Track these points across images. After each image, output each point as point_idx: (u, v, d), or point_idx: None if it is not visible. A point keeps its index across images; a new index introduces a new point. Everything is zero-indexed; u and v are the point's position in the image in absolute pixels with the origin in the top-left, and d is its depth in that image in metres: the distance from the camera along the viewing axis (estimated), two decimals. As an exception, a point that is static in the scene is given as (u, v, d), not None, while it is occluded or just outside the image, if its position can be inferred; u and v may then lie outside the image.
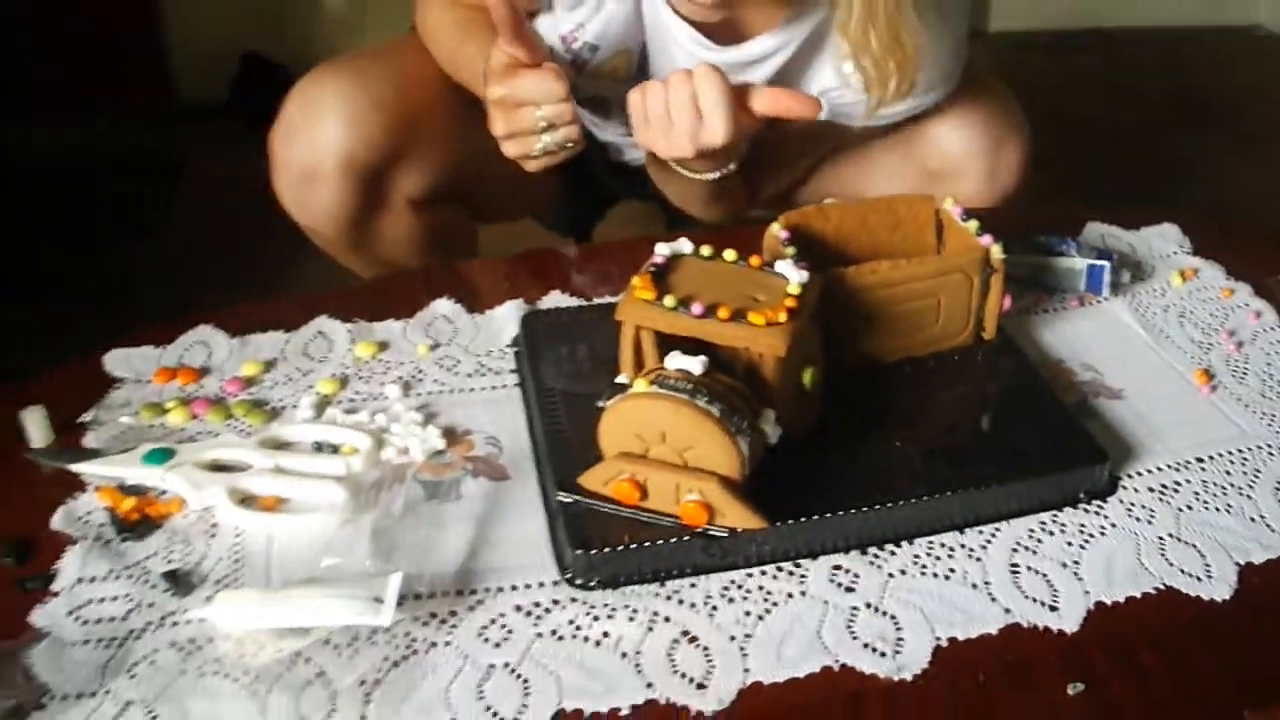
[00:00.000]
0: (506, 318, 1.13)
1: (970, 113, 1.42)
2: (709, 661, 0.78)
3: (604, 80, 1.37)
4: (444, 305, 1.16)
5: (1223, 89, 3.44)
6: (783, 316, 0.88)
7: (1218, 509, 0.92)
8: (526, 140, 1.16)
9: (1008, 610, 0.83)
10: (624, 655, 0.78)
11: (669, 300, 0.89)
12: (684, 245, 0.97)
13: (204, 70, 3.31)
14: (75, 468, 0.94)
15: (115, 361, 1.08)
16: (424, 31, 1.45)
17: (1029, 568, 0.86)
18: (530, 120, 1.15)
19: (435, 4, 1.42)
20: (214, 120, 3.17)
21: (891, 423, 0.97)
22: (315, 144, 1.34)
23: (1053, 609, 0.83)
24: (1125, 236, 1.31)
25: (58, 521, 0.89)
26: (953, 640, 0.80)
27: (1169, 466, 0.97)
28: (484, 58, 1.22)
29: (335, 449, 0.96)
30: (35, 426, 0.98)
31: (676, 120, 1.13)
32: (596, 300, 1.17)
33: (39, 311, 2.10)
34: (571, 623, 0.81)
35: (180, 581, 0.84)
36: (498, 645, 0.79)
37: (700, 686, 0.76)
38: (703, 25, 1.26)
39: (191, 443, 0.97)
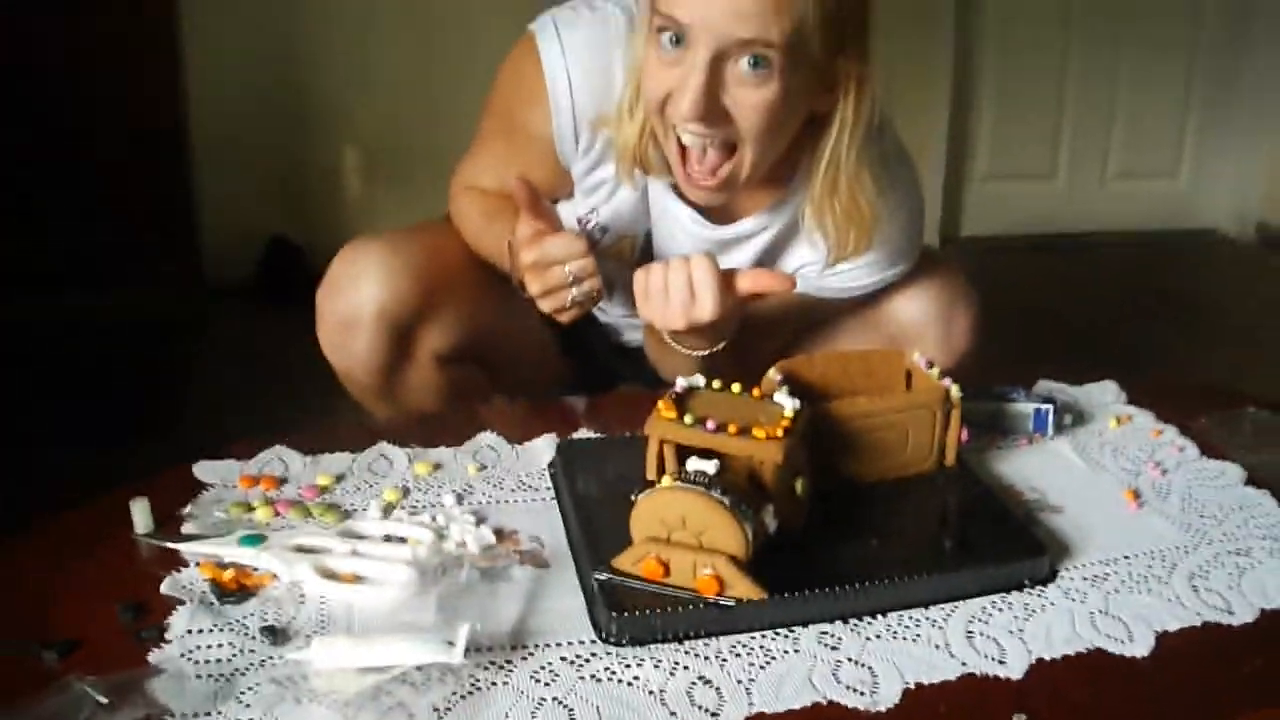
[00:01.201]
0: (543, 447, 1.33)
1: (924, 286, 1.64)
2: (721, 698, 0.96)
3: (610, 261, 1.59)
4: (488, 436, 1.36)
5: (1180, 286, 3.70)
6: (780, 433, 1.08)
7: (1140, 592, 1.11)
8: (559, 295, 1.38)
9: (964, 664, 1.01)
10: (651, 693, 0.96)
11: (688, 419, 1.09)
12: (698, 380, 1.18)
13: (232, 250, 3.53)
14: (181, 548, 1.13)
15: (204, 470, 1.28)
16: (455, 214, 1.69)
17: (982, 634, 1.04)
18: (561, 277, 1.37)
19: (465, 194, 1.66)
20: (239, 296, 3.41)
21: (869, 526, 1.16)
22: (355, 298, 1.56)
23: (1001, 663, 1.01)
24: (1070, 390, 1.52)
25: (166, 588, 1.07)
26: (919, 684, 0.98)
27: (1100, 562, 1.16)
28: (508, 235, 1.45)
29: (402, 540, 1.15)
30: (141, 515, 1.17)
31: (673, 296, 1.36)
32: (616, 435, 1.37)
33: (69, 452, 2.29)
34: (607, 669, 0.99)
35: (276, 634, 1.02)
36: (547, 684, 0.97)
37: (714, 715, 0.94)
38: (702, 207, 1.50)
39: (278, 532, 1.16)
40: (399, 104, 3.65)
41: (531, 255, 1.39)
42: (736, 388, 1.17)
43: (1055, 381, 1.54)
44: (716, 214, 1.52)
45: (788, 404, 1.14)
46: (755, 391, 1.18)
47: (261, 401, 2.62)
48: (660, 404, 1.12)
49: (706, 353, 1.44)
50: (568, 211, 1.58)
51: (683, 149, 1.39)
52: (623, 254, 1.59)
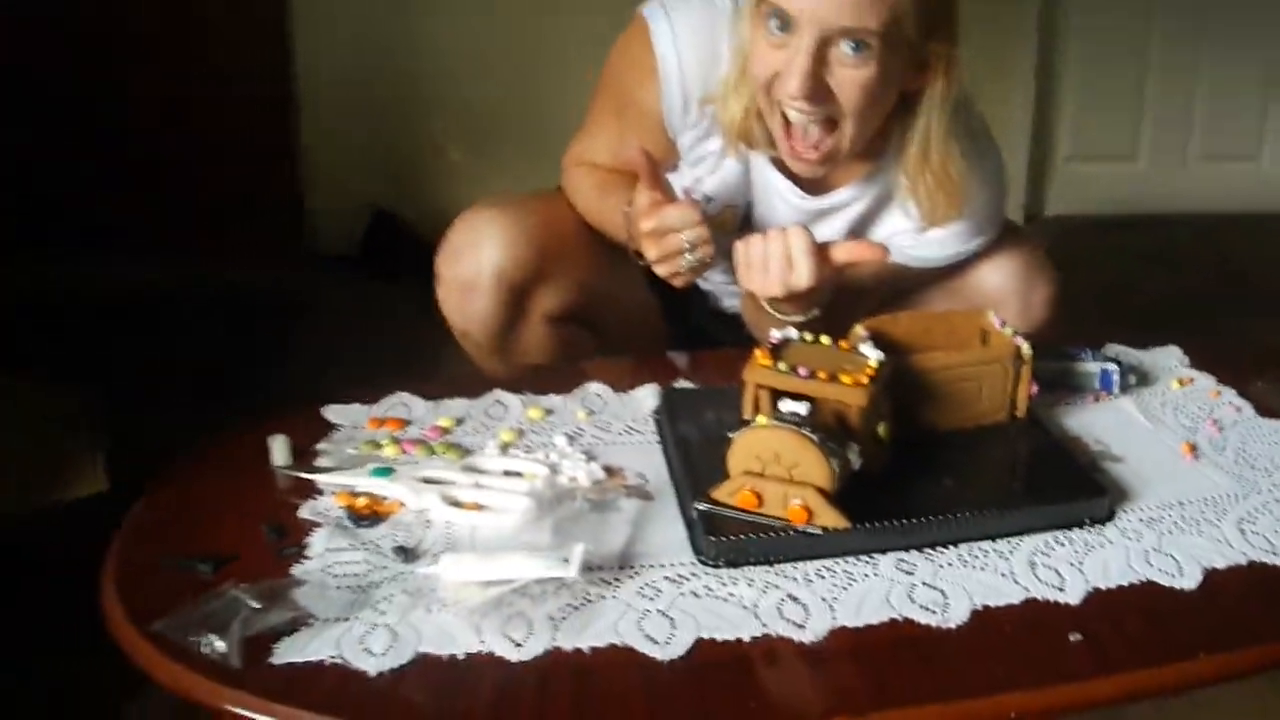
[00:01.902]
0: (646, 395, 1.45)
1: (1005, 259, 1.75)
2: (807, 613, 1.08)
3: (714, 230, 1.71)
4: (596, 385, 1.49)
5: (1258, 265, 3.76)
6: (865, 379, 1.20)
7: (1191, 533, 1.21)
8: (675, 260, 1.50)
9: (1027, 589, 1.12)
10: (744, 608, 1.08)
11: (782, 366, 1.21)
12: (792, 332, 1.30)
13: (338, 223, 3.68)
14: (318, 478, 1.27)
15: (333, 412, 1.42)
16: (569, 188, 1.81)
17: (1044, 564, 1.15)
18: (677, 244, 1.49)
19: (578, 169, 1.78)
20: (344, 266, 3.57)
21: (944, 467, 1.27)
22: (475, 261, 1.69)
23: (1060, 590, 1.12)
24: (1136, 354, 1.62)
25: (304, 512, 1.21)
26: (986, 606, 1.09)
27: (1156, 506, 1.26)
28: (622, 207, 1.57)
29: (519, 474, 1.27)
30: (280, 449, 1.31)
31: (771, 266, 1.48)
32: (714, 386, 1.49)
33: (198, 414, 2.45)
34: (705, 587, 1.11)
35: (407, 553, 1.15)
36: (651, 599, 1.09)
37: (800, 628, 1.06)
38: (800, 179, 1.61)
39: (406, 466, 1.29)
40: (496, 82, 3.77)
41: (650, 223, 1.51)
42: (826, 340, 1.29)
43: (1123, 346, 1.64)
44: (813, 185, 1.64)
45: (873, 355, 1.25)
46: (843, 344, 1.29)
47: (364, 370, 2.76)
48: (757, 352, 1.24)
49: (802, 319, 1.56)
50: (675, 182, 1.70)
51: (787, 125, 1.51)
52: (725, 224, 1.71)
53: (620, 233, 1.66)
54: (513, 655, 1.02)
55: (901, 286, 1.81)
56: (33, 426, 2.10)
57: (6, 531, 1.84)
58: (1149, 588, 1.14)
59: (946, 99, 1.53)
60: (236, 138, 3.65)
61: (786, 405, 1.17)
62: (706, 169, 1.68)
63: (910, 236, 1.67)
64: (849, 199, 1.66)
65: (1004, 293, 1.75)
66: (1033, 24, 4.12)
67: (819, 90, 1.45)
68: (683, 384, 1.50)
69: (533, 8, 3.74)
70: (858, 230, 1.68)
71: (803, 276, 1.47)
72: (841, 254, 1.51)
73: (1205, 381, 1.56)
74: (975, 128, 1.65)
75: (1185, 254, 3.94)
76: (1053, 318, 1.76)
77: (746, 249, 1.51)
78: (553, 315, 1.77)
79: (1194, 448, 1.38)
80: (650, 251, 1.53)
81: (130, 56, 3.54)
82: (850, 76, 1.44)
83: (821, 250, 1.48)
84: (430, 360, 1.83)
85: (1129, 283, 3.59)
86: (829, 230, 1.66)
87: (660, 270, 1.54)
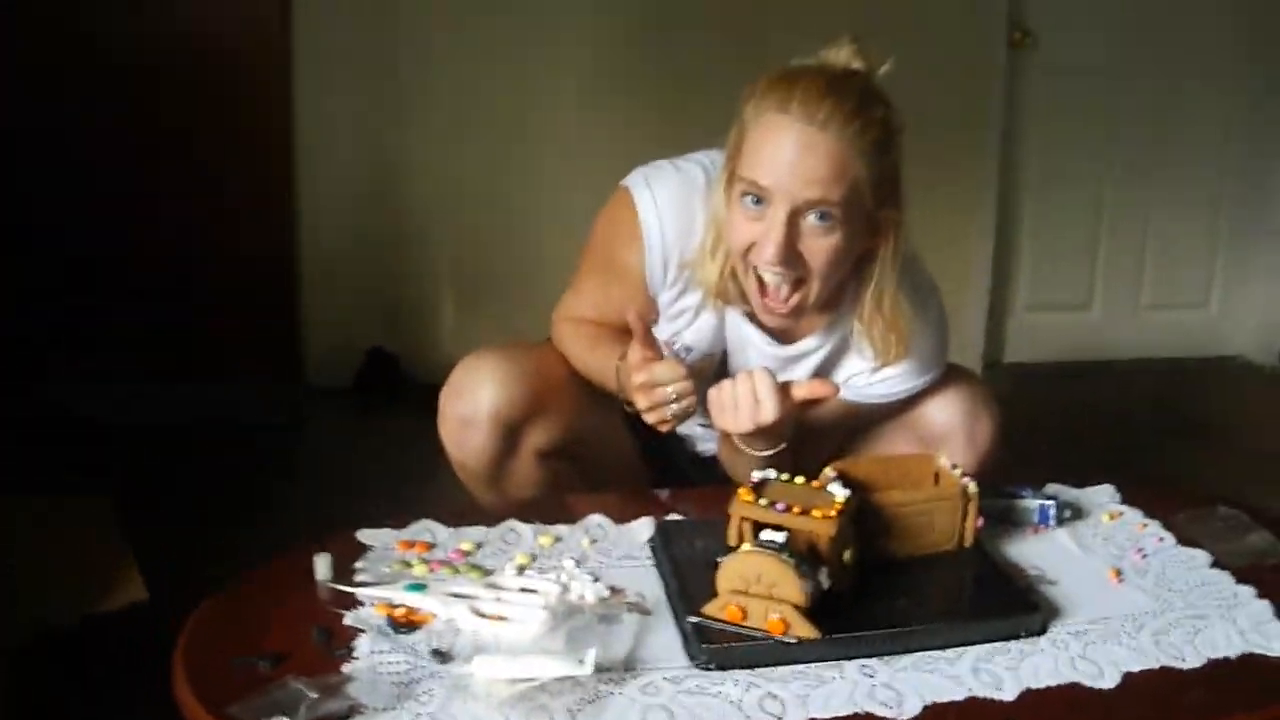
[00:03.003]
0: (642, 526, 1.66)
1: (952, 396, 1.97)
2: (784, 707, 1.27)
3: (693, 379, 1.93)
4: (597, 517, 1.69)
5: (1207, 409, 4.00)
6: (833, 513, 1.41)
7: (1112, 644, 1.41)
8: (662, 410, 1.72)
9: (970, 689, 1.31)
10: (731, 703, 1.28)
11: (763, 501, 1.43)
12: (770, 473, 1.52)
13: (334, 358, 3.93)
14: (360, 592, 1.46)
15: (366, 536, 1.62)
16: (558, 339, 2.03)
17: (985, 669, 1.35)
18: (664, 395, 1.71)
19: (567, 323, 2.02)
20: (338, 399, 3.82)
21: (900, 588, 1.48)
22: (473, 400, 1.89)
23: (998, 689, 1.32)
24: (1073, 491, 1.83)
25: (349, 620, 1.40)
26: (935, 702, 1.29)
27: (1084, 621, 1.46)
28: (610, 359, 1.82)
29: (534, 591, 1.47)
30: (323, 565, 1.50)
31: (741, 405, 1.70)
32: (699, 519, 1.69)
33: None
34: (698, 685, 1.30)
35: (442, 656, 1.33)
36: (652, 695, 1.28)
37: (779, 717, 1.26)
38: (769, 330, 1.84)
39: (436, 582, 1.49)
40: (487, 232, 4.03)
41: (642, 377, 1.73)
42: (800, 480, 1.51)
43: (1062, 484, 1.85)
44: (782, 335, 1.87)
45: (839, 492, 1.47)
46: (815, 483, 1.51)
47: (359, 494, 2.96)
48: (740, 490, 1.46)
49: (771, 453, 1.76)
50: (656, 334, 1.92)
51: (761, 284, 1.73)
52: (703, 371, 1.92)
53: (609, 382, 1.88)
54: (537, 741, 1.21)
55: (858, 425, 2.02)
56: (73, 539, 2.28)
57: (56, 643, 2.00)
58: (1074, 688, 1.33)
59: (895, 256, 1.77)
60: (239, 278, 3.84)
61: (766, 534, 1.39)
62: (685, 322, 1.90)
63: (865, 376, 1.90)
64: (813, 346, 1.89)
65: (951, 427, 1.96)
66: (993, 184, 4.41)
67: (792, 255, 1.68)
68: (673, 516, 1.70)
69: (524, 161, 4.01)
70: (822, 373, 1.90)
71: (768, 411, 1.68)
72: (800, 391, 1.73)
73: (1133, 515, 1.77)
74: (919, 280, 1.89)
75: (1136, 397, 4.19)
76: (996, 449, 1.97)
77: (719, 394, 1.73)
78: (542, 451, 1.95)
79: (1119, 573, 1.59)
80: (640, 402, 1.74)
81: (139, 198, 3.74)
82: (818, 243, 1.68)
83: (783, 388, 1.70)
84: (419, 488, 2.02)
85: (1082, 425, 3.82)
86: (797, 374, 1.88)
87: (649, 418, 1.76)
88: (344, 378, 3.96)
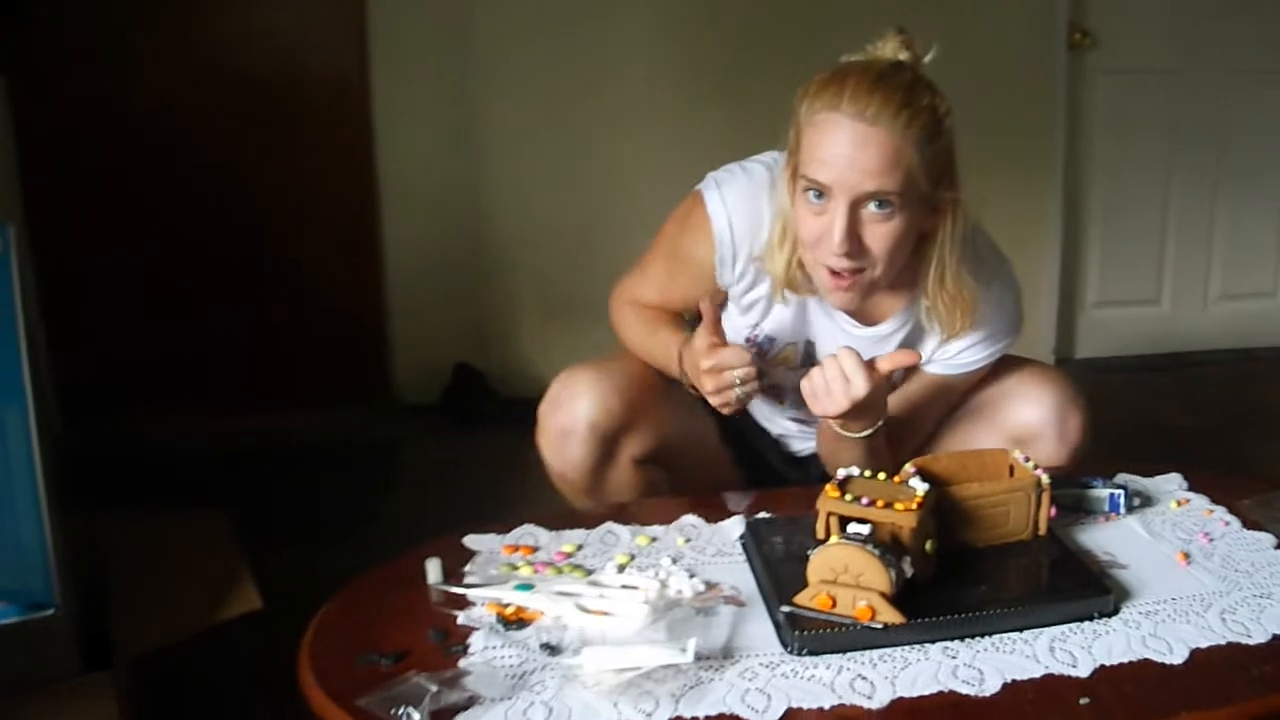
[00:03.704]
0: (733, 525, 1.76)
1: (1041, 395, 2.06)
2: (872, 687, 1.37)
3: (779, 367, 2.04)
4: (690, 518, 1.80)
5: (1277, 398, 4.05)
6: (914, 506, 1.51)
7: (1181, 623, 1.50)
8: (728, 394, 1.84)
9: (1046, 667, 1.41)
10: (824, 684, 1.38)
11: (848, 496, 1.53)
12: (854, 470, 1.62)
13: (422, 375, 4.07)
14: (471, 593, 1.56)
15: (473, 541, 1.74)
16: (617, 321, 2.17)
17: (1060, 648, 1.44)
18: (730, 380, 1.84)
19: (628, 306, 2.15)
20: (427, 416, 3.96)
21: (979, 575, 1.58)
22: (572, 412, 2.00)
23: (1073, 666, 1.41)
24: (1142, 480, 1.92)
25: (462, 620, 1.51)
26: (1014, 680, 1.39)
27: (1153, 602, 1.55)
28: (672, 343, 1.97)
29: (635, 588, 1.57)
30: (434, 569, 1.62)
31: (832, 386, 1.80)
32: (785, 516, 1.79)
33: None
34: (792, 670, 1.41)
35: (553, 649, 1.44)
36: (750, 679, 1.39)
37: (869, 698, 1.36)
38: (852, 315, 1.95)
39: (542, 582, 1.60)
40: (567, 248, 4.16)
41: (709, 361, 1.85)
42: (882, 475, 1.61)
43: (1131, 474, 1.94)
44: (864, 318, 1.98)
45: (919, 487, 1.56)
46: (896, 479, 1.61)
47: (455, 505, 3.08)
48: (827, 487, 1.56)
49: (870, 432, 1.88)
50: (735, 329, 2.03)
51: (832, 272, 1.83)
52: (789, 360, 2.03)
53: (671, 364, 2.01)
54: (645, 723, 1.32)
55: (951, 401, 2.11)
56: (189, 552, 2.41)
57: (177, 651, 2.12)
58: (1145, 664, 1.43)
59: (955, 234, 1.87)
60: (330, 305, 4.05)
61: (853, 527, 1.49)
62: (759, 313, 2.01)
63: (947, 350, 2.00)
64: (894, 327, 1.99)
65: (1042, 425, 2.04)
66: (1058, 185, 4.50)
67: (856, 244, 1.78)
68: (761, 515, 1.81)
69: (602, 178, 4.16)
70: None
71: (859, 386, 1.79)
72: (885, 363, 1.84)
73: (1200, 502, 1.85)
74: (984, 252, 1.98)
75: (1207, 388, 4.24)
76: (1086, 445, 2.05)
77: (810, 382, 1.84)
78: (638, 459, 2.06)
79: (1187, 556, 1.67)
80: (707, 384, 1.87)
81: (237, 229, 3.96)
82: (879, 229, 1.78)
83: (869, 364, 1.81)
84: (513, 497, 2.13)
85: (1154, 418, 3.88)
86: (878, 353, 1.97)
87: (714, 400, 1.88)
88: (432, 395, 4.08)
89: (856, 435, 1.87)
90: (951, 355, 2.00)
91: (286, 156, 3.95)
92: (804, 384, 1.84)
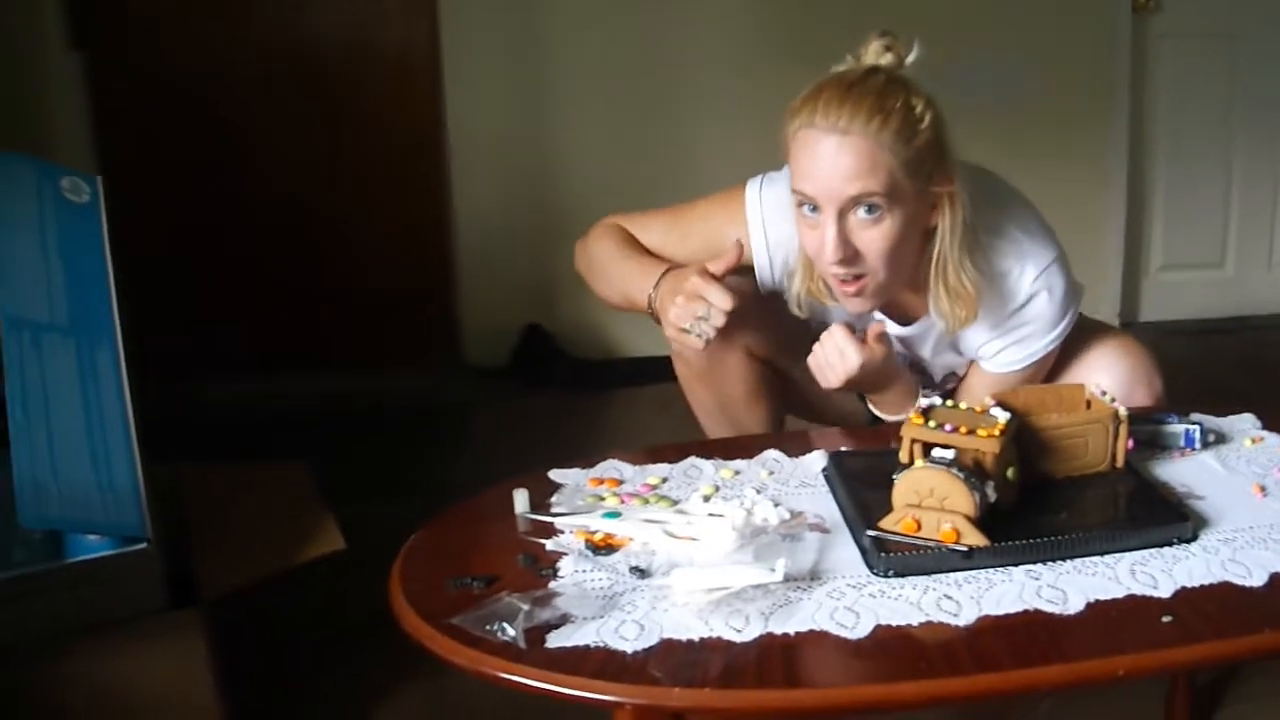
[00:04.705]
0: (815, 458, 1.80)
1: (1112, 363, 2.12)
2: (959, 606, 1.41)
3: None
4: (773, 452, 1.84)
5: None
6: (997, 432, 1.54)
7: (1259, 549, 1.53)
8: (688, 322, 1.92)
9: (1128, 588, 1.44)
10: (911, 603, 1.42)
11: (932, 423, 1.57)
12: (936, 400, 1.66)
13: (490, 338, 4.13)
14: (560, 521, 1.62)
15: (558, 475, 1.79)
16: (597, 230, 2.26)
17: (1142, 571, 1.48)
18: (694, 312, 1.90)
19: (614, 224, 2.23)
20: (498, 378, 4.01)
21: (1060, 503, 1.61)
22: None
23: (1154, 588, 1.44)
24: (1217, 420, 1.94)
25: (550, 545, 1.56)
26: (1097, 599, 1.42)
27: (1231, 530, 1.58)
28: (650, 266, 2.07)
29: (721, 516, 1.62)
30: (521, 499, 1.67)
31: (830, 361, 1.94)
32: (866, 449, 1.84)
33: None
34: (880, 590, 1.45)
35: (642, 572, 1.49)
36: (838, 598, 1.43)
37: (954, 616, 1.40)
38: (890, 314, 2.03)
39: (630, 509, 1.65)
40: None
41: (696, 284, 1.92)
42: (964, 405, 1.64)
43: (1204, 415, 1.96)
44: (900, 316, 2.06)
45: (1001, 415, 1.60)
46: (977, 407, 1.64)
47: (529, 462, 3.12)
48: (912, 414, 1.60)
49: (899, 416, 1.97)
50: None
51: (839, 280, 1.88)
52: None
53: (636, 280, 2.09)
54: (736, 638, 1.36)
55: None
56: (270, 496, 2.46)
57: (264, 590, 2.18)
58: (1225, 586, 1.45)
59: (955, 226, 1.89)
60: (400, 263, 4.13)
61: (937, 453, 1.53)
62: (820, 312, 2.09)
63: (992, 346, 2.05)
64: (926, 327, 2.06)
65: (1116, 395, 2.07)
66: (1123, 149, 4.50)
67: (850, 252, 1.83)
68: (843, 448, 1.85)
69: (670, 139, 4.20)
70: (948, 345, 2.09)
71: (852, 358, 1.91)
72: (870, 336, 1.95)
73: (1274, 439, 1.88)
74: (1011, 239, 1.98)
75: (1271, 351, 4.24)
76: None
77: (813, 359, 1.96)
78: (752, 351, 2.16)
79: (1263, 488, 1.70)
80: (670, 310, 1.95)
81: (307, 193, 4.05)
82: (871, 234, 1.82)
83: (859, 339, 1.92)
84: (585, 454, 2.16)
85: (1219, 379, 3.89)
86: (925, 348, 2.10)
87: (668, 330, 1.96)
88: (501, 357, 4.13)
89: (890, 417, 2.02)
90: (993, 355, 2.05)
91: (356, 122, 4.02)
92: (809, 360, 1.96)
